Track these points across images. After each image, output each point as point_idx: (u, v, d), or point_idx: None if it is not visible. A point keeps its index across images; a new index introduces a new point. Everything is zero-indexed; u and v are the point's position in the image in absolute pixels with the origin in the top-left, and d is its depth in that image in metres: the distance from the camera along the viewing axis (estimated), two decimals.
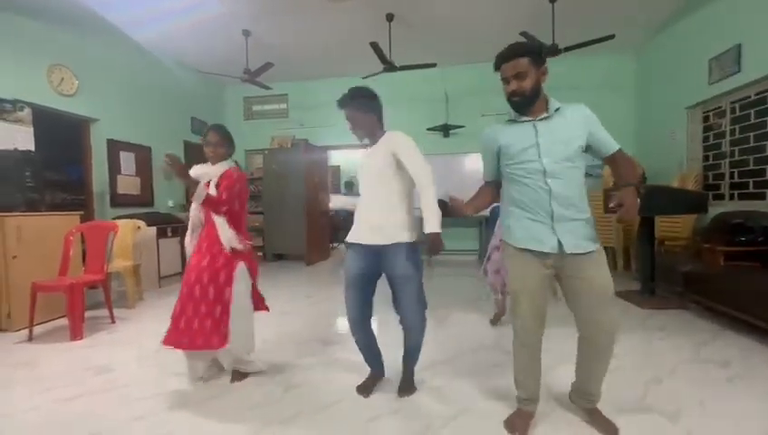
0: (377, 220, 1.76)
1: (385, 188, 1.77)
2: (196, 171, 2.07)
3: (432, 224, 1.64)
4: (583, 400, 1.63)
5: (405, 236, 1.75)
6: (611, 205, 1.46)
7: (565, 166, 1.43)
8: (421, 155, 1.74)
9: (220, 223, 2.01)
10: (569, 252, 1.43)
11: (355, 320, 1.86)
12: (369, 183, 1.83)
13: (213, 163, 2.12)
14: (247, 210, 2.24)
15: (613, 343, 1.51)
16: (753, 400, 1.81)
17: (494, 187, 1.69)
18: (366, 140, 1.88)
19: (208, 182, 2.04)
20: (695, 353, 2.36)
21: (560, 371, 1.94)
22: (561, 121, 1.46)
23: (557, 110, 1.47)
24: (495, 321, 2.99)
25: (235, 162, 2.18)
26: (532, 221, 1.48)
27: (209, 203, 1.96)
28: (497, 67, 1.48)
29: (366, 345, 1.94)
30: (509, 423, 1.60)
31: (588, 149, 1.49)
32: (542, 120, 1.47)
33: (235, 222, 2.06)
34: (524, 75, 1.41)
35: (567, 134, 1.44)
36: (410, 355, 1.92)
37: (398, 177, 1.76)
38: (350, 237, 1.86)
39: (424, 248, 1.74)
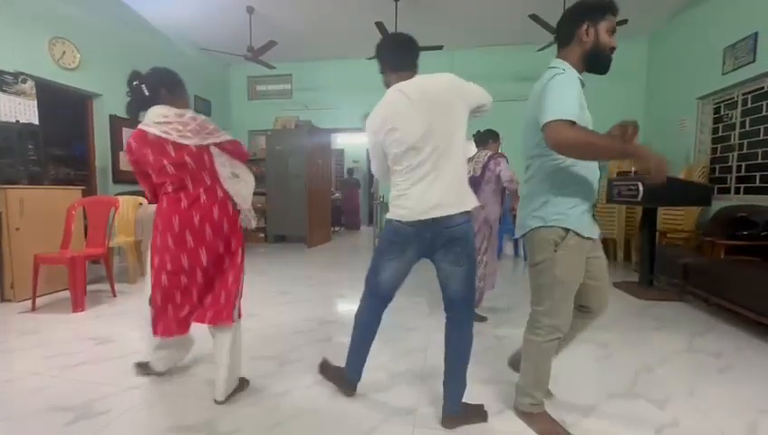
0: (452, 191, 1.42)
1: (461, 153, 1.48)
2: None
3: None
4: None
5: (471, 202, 1.47)
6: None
7: None
8: None
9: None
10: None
11: (383, 281, 1.56)
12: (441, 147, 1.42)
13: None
14: None
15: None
16: (742, 391, 1.82)
17: None
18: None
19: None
20: (688, 344, 2.37)
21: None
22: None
23: None
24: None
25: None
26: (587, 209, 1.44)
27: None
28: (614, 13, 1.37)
29: (366, 330, 1.66)
30: (547, 433, 1.45)
31: None
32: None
33: None
34: None
35: None
36: (463, 354, 1.50)
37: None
38: (411, 215, 1.42)
39: None
